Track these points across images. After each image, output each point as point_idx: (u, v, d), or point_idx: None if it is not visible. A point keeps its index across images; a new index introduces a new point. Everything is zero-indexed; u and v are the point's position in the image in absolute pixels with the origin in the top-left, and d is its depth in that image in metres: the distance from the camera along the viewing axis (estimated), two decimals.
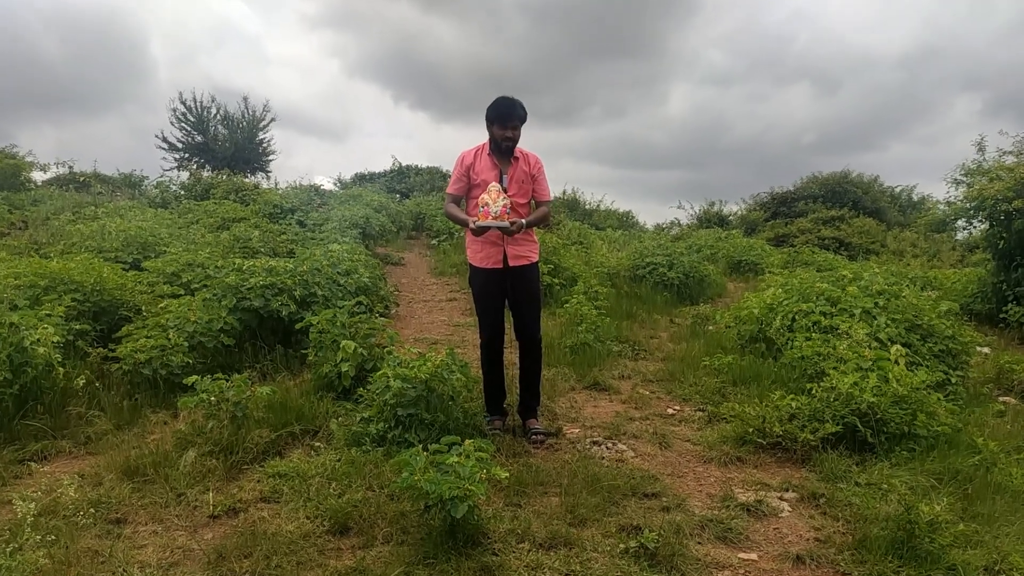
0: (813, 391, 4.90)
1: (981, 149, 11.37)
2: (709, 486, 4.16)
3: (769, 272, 11.36)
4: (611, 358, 7.13)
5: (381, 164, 32.88)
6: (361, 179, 30.57)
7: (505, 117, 4.48)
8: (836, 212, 24.53)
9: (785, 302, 7.11)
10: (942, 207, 11.78)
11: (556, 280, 10.21)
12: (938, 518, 3.32)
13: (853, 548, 3.39)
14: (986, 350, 8.06)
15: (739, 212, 28.57)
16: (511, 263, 4.62)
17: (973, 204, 10.51)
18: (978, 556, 3.30)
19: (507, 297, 4.72)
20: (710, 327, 8.64)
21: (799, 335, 6.34)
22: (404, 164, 31.28)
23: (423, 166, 31.20)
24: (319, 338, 5.55)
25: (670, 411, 5.57)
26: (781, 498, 3.98)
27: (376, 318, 6.39)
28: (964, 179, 11.22)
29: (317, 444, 4.49)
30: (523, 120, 4.54)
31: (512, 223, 4.38)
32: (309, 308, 6.57)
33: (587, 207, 26.58)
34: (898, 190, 30.52)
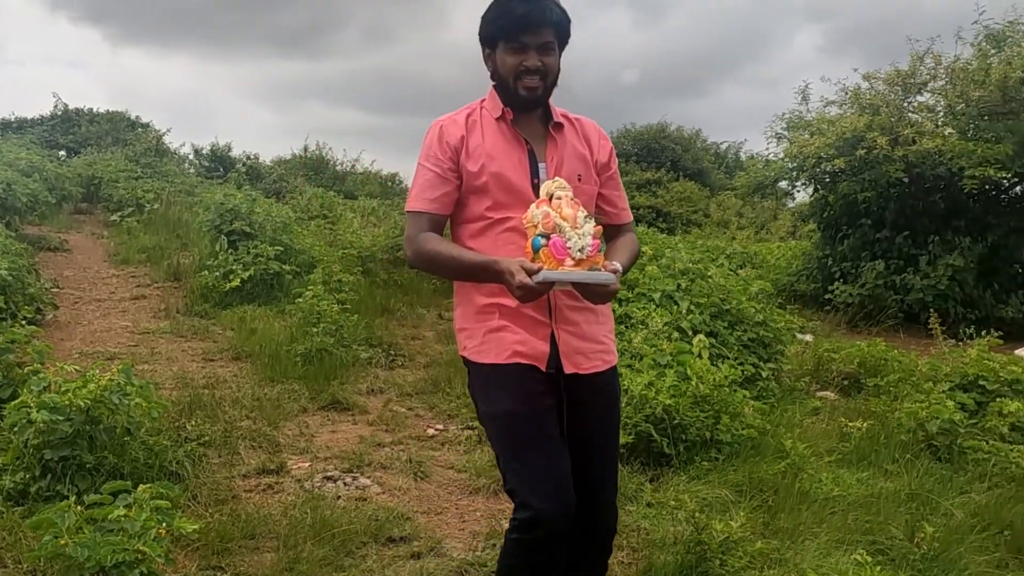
0: None
1: (805, 98, 12.72)
2: (474, 522, 4.37)
3: None
4: (358, 367, 7.22)
5: (36, 107, 30.79)
6: (5, 127, 28.31)
7: (520, 24, 2.65)
8: (652, 174, 26.41)
9: None
10: (761, 167, 13.06)
11: (287, 267, 10.25)
12: (732, 537, 3.75)
13: None
14: (808, 337, 9.09)
15: None
16: (570, 365, 2.70)
17: (794, 164, 11.74)
18: None
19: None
20: None
21: None
22: (72, 107, 29.37)
23: (100, 110, 29.52)
24: None
25: (431, 432, 5.76)
26: None
27: (20, 326, 6.00)
28: (786, 134, 12.48)
29: None
30: (562, 32, 2.74)
31: (613, 271, 2.52)
32: None
33: (338, 168, 26.47)
34: (723, 147, 33.52)
